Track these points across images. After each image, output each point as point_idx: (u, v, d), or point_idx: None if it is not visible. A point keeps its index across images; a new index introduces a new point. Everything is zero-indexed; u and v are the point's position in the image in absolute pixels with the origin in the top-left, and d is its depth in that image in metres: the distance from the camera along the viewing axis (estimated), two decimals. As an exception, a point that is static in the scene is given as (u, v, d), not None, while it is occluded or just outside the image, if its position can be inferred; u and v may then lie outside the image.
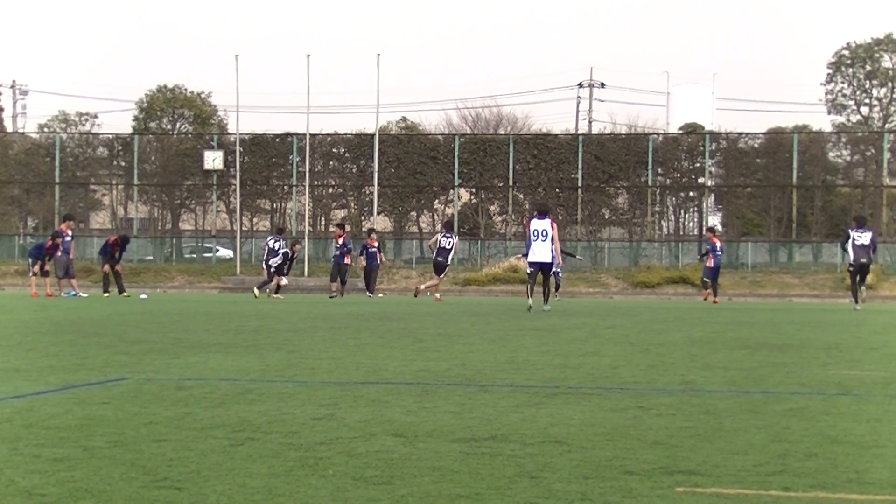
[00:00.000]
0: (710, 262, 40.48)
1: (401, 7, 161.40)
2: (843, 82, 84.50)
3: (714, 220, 62.30)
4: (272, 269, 40.03)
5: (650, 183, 58.89)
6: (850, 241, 32.61)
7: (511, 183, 59.31)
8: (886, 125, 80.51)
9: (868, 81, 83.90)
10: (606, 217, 60.06)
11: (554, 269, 34.44)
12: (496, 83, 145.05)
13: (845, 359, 13.27)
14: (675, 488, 5.43)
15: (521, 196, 60.44)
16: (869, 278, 35.51)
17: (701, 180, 59.72)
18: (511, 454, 6.30)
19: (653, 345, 15.26)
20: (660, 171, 59.58)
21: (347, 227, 51.76)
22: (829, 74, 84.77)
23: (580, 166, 58.43)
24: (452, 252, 38.06)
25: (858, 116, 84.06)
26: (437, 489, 5.31)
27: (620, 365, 11.98)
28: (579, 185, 58.55)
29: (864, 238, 32.40)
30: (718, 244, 41.25)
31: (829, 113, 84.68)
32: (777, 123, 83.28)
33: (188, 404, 8.25)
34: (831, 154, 61.18)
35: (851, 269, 32.96)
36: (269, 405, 8.23)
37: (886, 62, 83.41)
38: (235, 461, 5.93)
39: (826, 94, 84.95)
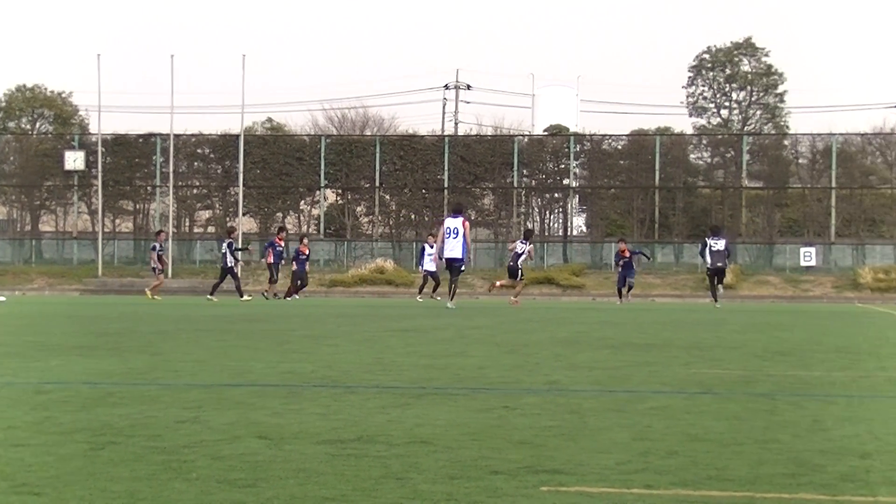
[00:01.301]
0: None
1: (266, 7, 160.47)
2: (703, 85, 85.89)
3: (579, 221, 62.98)
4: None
5: (516, 184, 59.29)
6: (707, 247, 35.96)
7: (377, 184, 59.29)
8: (746, 128, 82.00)
9: (728, 85, 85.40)
10: (472, 218, 60.34)
11: (628, 280, 36.44)
12: (362, 84, 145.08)
13: (706, 358, 13.48)
14: (540, 487, 5.46)
15: (387, 197, 60.45)
16: (726, 279, 38.54)
17: (566, 182, 60.29)
18: (377, 455, 6.29)
19: (518, 345, 15.36)
20: (525, 172, 60.00)
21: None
22: (690, 78, 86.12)
23: (446, 167, 58.61)
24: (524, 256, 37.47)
25: (719, 119, 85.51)
26: (302, 491, 5.28)
27: (486, 365, 12.03)
28: (445, 186, 58.73)
29: (719, 245, 35.88)
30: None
31: (691, 115, 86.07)
32: (640, 125, 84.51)
33: (48, 408, 8.10)
34: (692, 156, 62.16)
35: (709, 272, 36.36)
36: (131, 408, 8.11)
37: (746, 66, 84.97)
38: (97, 465, 5.84)
39: (687, 96, 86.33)
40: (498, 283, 38.78)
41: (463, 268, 30.49)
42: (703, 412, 8.37)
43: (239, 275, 42.01)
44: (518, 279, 36.66)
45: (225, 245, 41.14)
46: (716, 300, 35.89)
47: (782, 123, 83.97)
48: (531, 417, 7.93)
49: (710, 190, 60.17)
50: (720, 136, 67.20)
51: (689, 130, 78.32)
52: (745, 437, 7.17)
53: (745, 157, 58.85)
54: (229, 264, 40.70)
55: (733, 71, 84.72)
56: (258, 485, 5.40)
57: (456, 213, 30.15)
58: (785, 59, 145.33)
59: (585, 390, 9.83)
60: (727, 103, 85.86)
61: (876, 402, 9.24)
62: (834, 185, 56.40)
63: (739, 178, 58.65)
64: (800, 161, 60.23)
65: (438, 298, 38.80)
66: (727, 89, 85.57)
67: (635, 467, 6.03)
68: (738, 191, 58.13)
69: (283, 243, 44.35)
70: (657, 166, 57.76)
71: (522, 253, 36.97)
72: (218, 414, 7.88)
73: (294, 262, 43.38)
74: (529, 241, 37.07)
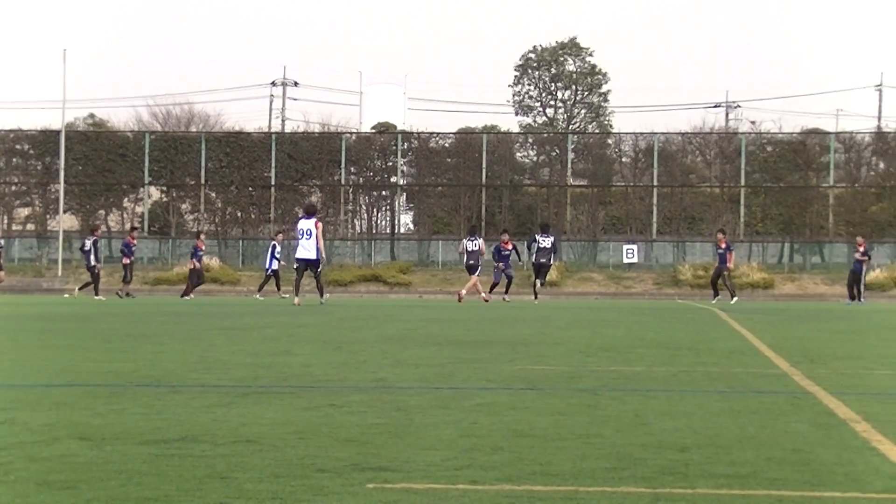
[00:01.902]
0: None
1: (88, 1, 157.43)
2: (529, 84, 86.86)
3: (406, 219, 63.11)
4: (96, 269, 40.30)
5: (343, 181, 59.21)
6: (535, 244, 37.69)
7: (203, 181, 58.67)
8: (571, 126, 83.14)
9: (553, 84, 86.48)
10: (300, 215, 60.06)
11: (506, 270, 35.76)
12: (188, 80, 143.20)
13: (531, 354, 13.62)
14: (366, 485, 5.46)
15: (213, 194, 59.85)
16: (550, 276, 40.66)
17: (393, 179, 60.41)
18: (201, 455, 6.22)
19: (345, 342, 15.34)
20: (353, 169, 59.95)
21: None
22: (516, 76, 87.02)
23: (273, 165, 58.26)
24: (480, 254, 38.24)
25: (544, 118, 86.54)
26: (124, 492, 5.19)
27: (312, 363, 11.99)
28: (272, 183, 58.37)
29: (546, 242, 37.58)
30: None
31: (517, 114, 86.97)
32: (467, 124, 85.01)
33: None
34: (518, 154, 62.79)
35: (534, 267, 38.08)
36: (-54, 411, 7.89)
37: (570, 66, 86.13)
38: None
39: (513, 95, 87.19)
40: (464, 292, 38.94)
41: (320, 268, 30.81)
42: (527, 408, 8.45)
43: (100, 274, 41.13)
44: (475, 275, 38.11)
45: (90, 243, 40.42)
46: (535, 296, 37.50)
47: (606, 122, 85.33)
48: (357, 415, 7.92)
49: (535, 188, 60.83)
50: (546, 135, 68.01)
51: (516, 129, 79.16)
52: (569, 432, 7.26)
53: (570, 155, 59.65)
54: (93, 263, 40.04)
55: (558, 70, 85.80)
56: (78, 486, 5.29)
57: (309, 214, 30.82)
58: (608, 59, 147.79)
59: (411, 387, 9.86)
60: (552, 102, 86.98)
61: (695, 396, 9.44)
62: (655, 183, 57.50)
63: (564, 177, 59.41)
64: (623, 160, 61.27)
65: (286, 296, 38.67)
66: (552, 88, 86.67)
67: (461, 463, 6.07)
68: (563, 189, 58.89)
69: (135, 242, 43.74)
70: (484, 164, 58.21)
71: (476, 249, 38.48)
72: (36, 414, 7.71)
73: (194, 260, 42.79)
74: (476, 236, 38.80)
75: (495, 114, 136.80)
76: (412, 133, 62.59)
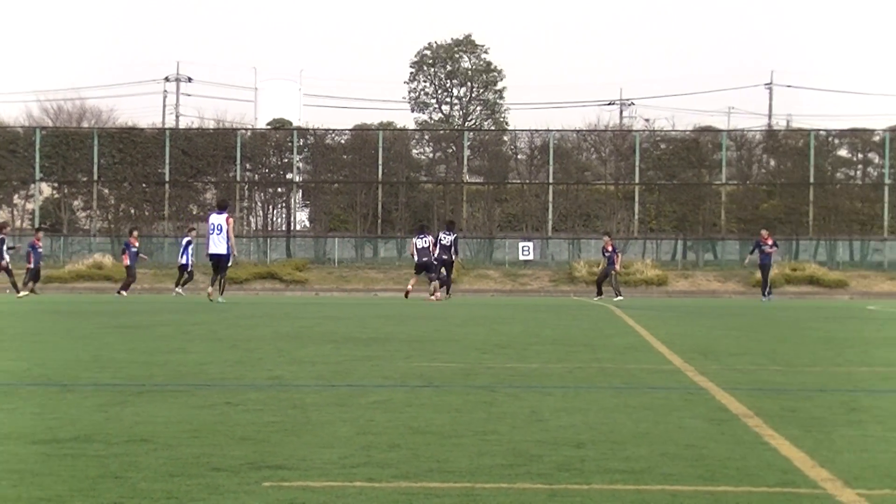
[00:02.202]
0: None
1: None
2: (425, 81, 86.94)
3: (302, 216, 62.85)
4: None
5: (239, 178, 58.81)
6: (438, 241, 37.68)
7: (96, 177, 57.94)
8: (466, 123, 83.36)
9: (449, 81, 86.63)
10: (195, 213, 59.53)
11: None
12: (79, 75, 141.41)
13: (427, 351, 13.64)
14: (263, 483, 5.43)
15: (106, 191, 59.14)
16: (453, 274, 39.93)
17: (289, 176, 60.11)
18: (95, 454, 6.15)
19: (241, 340, 15.25)
20: (248, 166, 59.56)
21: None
22: (412, 73, 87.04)
23: (167, 161, 57.70)
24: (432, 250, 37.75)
25: (440, 114, 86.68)
26: (16, 493, 5.11)
27: (208, 361, 11.91)
28: (167, 179, 57.82)
29: (447, 240, 37.78)
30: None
31: (413, 111, 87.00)
32: (363, 120, 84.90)
33: None
34: (415, 151, 62.77)
35: (435, 262, 37.47)
36: None
37: (466, 63, 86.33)
38: None
39: (409, 92, 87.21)
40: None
41: (230, 263, 30.95)
42: (424, 405, 8.47)
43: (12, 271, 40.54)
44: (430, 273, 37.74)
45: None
46: (431, 294, 37.12)
47: (501, 119, 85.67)
48: (253, 413, 7.88)
49: (432, 185, 60.88)
50: (442, 132, 68.09)
51: (412, 125, 79.18)
52: (466, 428, 7.28)
53: (466, 152, 59.77)
54: (5, 260, 39.43)
55: (454, 67, 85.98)
56: (-32, 488, 5.20)
57: (220, 209, 30.67)
58: (504, 56, 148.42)
59: (308, 385, 9.83)
60: (448, 99, 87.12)
61: (591, 392, 9.51)
62: (551, 180, 57.81)
63: (461, 174, 59.53)
64: (518, 157, 61.50)
65: (181, 293, 38.22)
66: (448, 85, 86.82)
67: (358, 461, 6.06)
68: (460, 186, 59.01)
69: (40, 243, 43.14)
70: (380, 161, 58.14)
71: (428, 246, 37.81)
72: (-75, 416, 7.57)
73: (126, 256, 42.20)
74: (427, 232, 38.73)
75: (391, 110, 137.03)
76: (308, 129, 62.33)
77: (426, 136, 65.13)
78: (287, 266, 53.93)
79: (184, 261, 41.97)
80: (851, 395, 9.46)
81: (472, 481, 5.56)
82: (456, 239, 38.91)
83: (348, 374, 10.76)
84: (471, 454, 6.32)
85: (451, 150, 61.37)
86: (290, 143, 59.60)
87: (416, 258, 37.53)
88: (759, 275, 44.27)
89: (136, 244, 43.11)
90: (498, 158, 60.68)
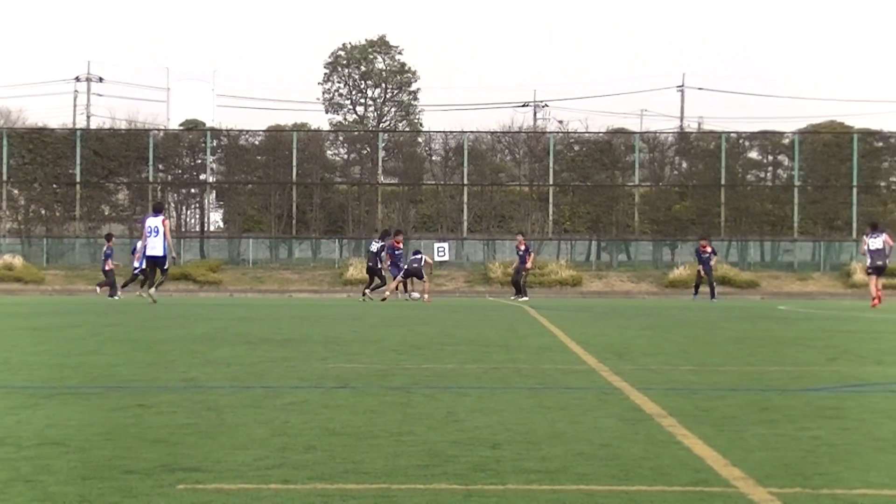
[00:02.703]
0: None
1: None
2: (339, 82, 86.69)
3: (216, 217, 62.46)
4: None
5: (151, 179, 58.33)
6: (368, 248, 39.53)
7: (5, 178, 57.18)
8: (381, 125, 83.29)
9: (363, 82, 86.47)
10: (106, 213, 58.99)
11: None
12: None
13: (344, 352, 13.61)
14: (177, 486, 5.39)
15: (15, 192, 58.38)
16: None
17: (203, 177, 59.73)
18: (5, 458, 6.07)
19: (154, 342, 15.12)
20: (161, 167, 59.11)
21: None
22: (326, 74, 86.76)
23: (78, 162, 57.08)
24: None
25: (355, 116, 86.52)
26: (-76, 499, 5.03)
27: (120, 363, 11.80)
28: (78, 180, 57.20)
29: (374, 246, 39.44)
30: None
31: (327, 112, 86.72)
32: (277, 121, 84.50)
33: None
34: (329, 152, 62.63)
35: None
36: None
37: (380, 63, 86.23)
38: None
39: (323, 93, 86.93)
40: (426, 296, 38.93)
41: (167, 266, 31.60)
42: (340, 406, 8.45)
43: None
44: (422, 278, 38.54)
45: None
46: (363, 296, 38.33)
47: (416, 121, 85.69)
48: (167, 415, 7.81)
49: (346, 186, 60.78)
50: (356, 133, 67.96)
51: (326, 126, 78.95)
52: (382, 430, 7.28)
53: (381, 153, 59.74)
54: None
55: (368, 68, 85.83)
56: None
57: (156, 212, 31.57)
58: (418, 57, 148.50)
59: (222, 387, 9.77)
60: (363, 100, 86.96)
61: (506, 393, 9.54)
62: (466, 181, 57.94)
63: (375, 175, 59.48)
64: (433, 158, 61.59)
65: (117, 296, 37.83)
66: (362, 86, 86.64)
67: (273, 463, 6.03)
68: (375, 187, 58.96)
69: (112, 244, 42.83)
70: (294, 162, 57.94)
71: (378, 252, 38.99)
72: None
73: (108, 261, 41.76)
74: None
75: (305, 111, 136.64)
76: (221, 130, 61.95)
77: (340, 138, 64.99)
78: (201, 267, 53.58)
79: (108, 266, 41.46)
80: (763, 395, 9.56)
81: (387, 482, 5.56)
82: (382, 247, 39.53)
83: (263, 376, 10.71)
84: (387, 455, 6.31)
85: (365, 152, 61.30)
86: (203, 144, 59.21)
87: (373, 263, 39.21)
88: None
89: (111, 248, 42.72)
90: (413, 160, 60.69)
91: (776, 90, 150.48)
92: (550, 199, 57.69)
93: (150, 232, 30.80)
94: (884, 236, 33.69)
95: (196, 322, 20.74)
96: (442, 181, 59.74)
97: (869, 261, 33.68)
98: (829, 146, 57.67)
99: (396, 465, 6.03)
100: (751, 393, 9.75)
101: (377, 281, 39.33)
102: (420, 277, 38.29)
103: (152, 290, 30.92)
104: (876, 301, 32.89)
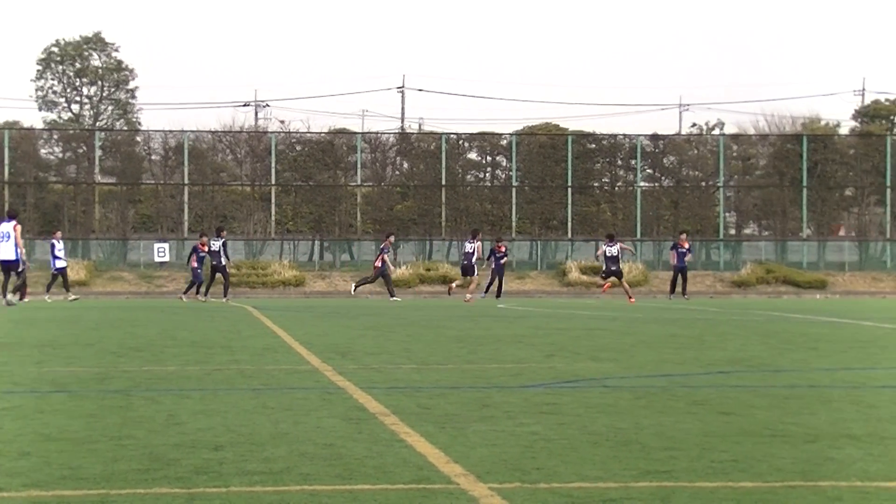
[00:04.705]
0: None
1: None
2: (53, 79, 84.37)
3: None
4: None
5: None
6: (195, 252, 39.07)
7: None
8: (98, 123, 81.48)
9: (78, 79, 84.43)
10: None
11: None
12: None
13: (61, 356, 13.27)
14: None
15: None
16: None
17: None
18: None
19: None
20: None
21: None
22: (39, 71, 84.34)
23: None
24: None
25: (70, 114, 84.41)
26: None
27: None
28: None
29: (215, 245, 39.30)
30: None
31: (41, 109, 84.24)
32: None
33: None
34: (43, 151, 60.95)
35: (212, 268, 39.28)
36: None
37: (96, 61, 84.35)
38: None
39: (36, 90, 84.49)
40: (454, 284, 40.09)
41: (20, 269, 31.92)
42: (57, 411, 8.23)
43: None
44: (473, 276, 38.75)
45: None
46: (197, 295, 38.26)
47: (134, 120, 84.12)
48: None
49: (62, 185, 59.20)
50: (71, 132, 66.29)
51: (40, 125, 76.75)
52: (101, 434, 7.12)
53: (98, 152, 58.42)
54: None
55: (83, 65, 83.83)
56: None
57: (10, 217, 31.90)
58: (136, 55, 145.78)
59: (-69, 394, 9.38)
60: (78, 98, 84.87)
61: (230, 395, 9.46)
62: (186, 181, 57.19)
63: (92, 174, 58.15)
64: (153, 157, 60.56)
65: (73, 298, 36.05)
66: (78, 84, 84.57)
67: (-15, 472, 5.83)
68: (91, 186, 57.63)
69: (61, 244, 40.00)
70: (6, 161, 56.16)
71: (473, 251, 38.71)
72: None
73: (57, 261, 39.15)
74: (477, 238, 39.47)
75: (18, 109, 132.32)
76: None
77: (55, 136, 63.29)
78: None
79: (59, 265, 39.43)
80: (483, 392, 9.74)
81: (106, 488, 5.44)
82: (224, 243, 39.78)
83: (-25, 382, 10.34)
84: (106, 460, 6.18)
85: (81, 151, 59.87)
86: None
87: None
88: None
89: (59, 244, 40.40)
90: (131, 159, 59.60)
91: (494, 92, 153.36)
92: (273, 199, 57.47)
93: (2, 237, 31.09)
94: (619, 245, 38.29)
95: None
96: (162, 181, 58.83)
97: (605, 266, 38.01)
98: (544, 147, 59.12)
99: (116, 469, 5.91)
100: (472, 391, 9.92)
101: (468, 279, 39.62)
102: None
103: (15, 299, 31.45)
104: (632, 299, 36.36)
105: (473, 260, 39.16)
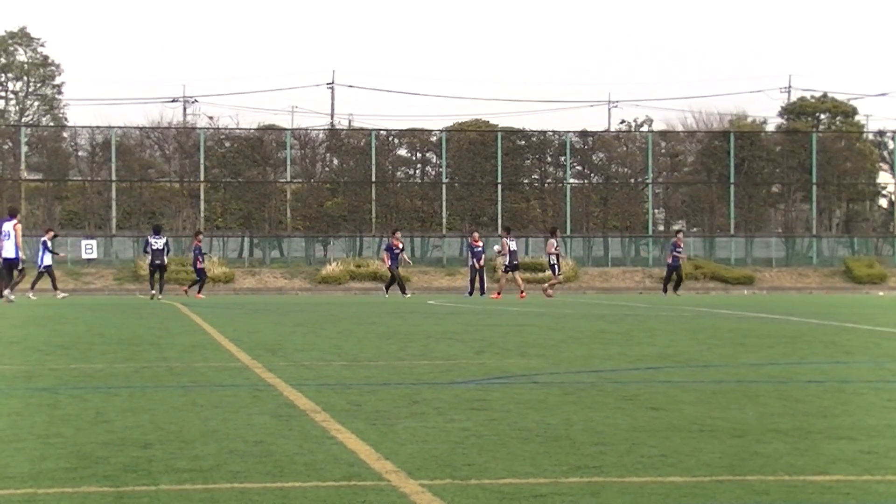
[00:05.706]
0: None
1: None
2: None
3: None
4: None
5: None
6: (149, 245, 38.43)
7: None
8: (24, 119, 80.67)
9: (3, 75, 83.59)
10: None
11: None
12: None
13: None
14: None
15: None
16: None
17: None
18: None
19: None
20: None
21: None
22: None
23: None
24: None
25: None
26: None
27: None
28: None
29: (158, 243, 38.27)
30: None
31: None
32: None
33: None
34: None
35: (150, 267, 38.82)
36: None
37: (21, 56, 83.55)
38: None
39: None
40: (547, 285, 38.86)
41: (21, 267, 32.79)
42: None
43: None
44: (556, 274, 38.58)
45: None
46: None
47: (61, 115, 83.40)
48: None
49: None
50: (-1, 128, 65.59)
51: (-44, 121, 75.85)
52: (27, 432, 7.06)
53: (24, 148, 57.87)
54: None
55: (9, 61, 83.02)
56: None
57: (11, 216, 32.64)
58: (62, 50, 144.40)
59: None
60: (3, 94, 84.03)
61: (158, 392, 9.41)
62: (114, 177, 56.73)
63: (18, 170, 57.57)
64: (79, 153, 60.05)
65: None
66: (3, 79, 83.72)
67: None
68: (18, 183, 57.05)
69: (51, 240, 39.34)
70: None
71: (554, 251, 38.29)
72: None
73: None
74: (555, 236, 39.30)
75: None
76: None
77: (-21, 132, 62.56)
78: None
79: (47, 261, 38.73)
80: (413, 388, 9.75)
81: (33, 487, 5.40)
82: (167, 242, 39.76)
83: None
84: (33, 458, 6.13)
85: (7, 147, 59.28)
86: None
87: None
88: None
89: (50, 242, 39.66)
90: (58, 155, 59.04)
91: (424, 89, 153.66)
92: (202, 196, 57.15)
93: (4, 236, 31.70)
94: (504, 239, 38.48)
95: None
96: (89, 177, 58.32)
97: (507, 260, 37.79)
98: (474, 144, 59.21)
99: (43, 468, 5.86)
100: (402, 387, 9.93)
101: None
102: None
103: (12, 295, 31.56)
104: (523, 294, 36.47)
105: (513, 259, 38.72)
